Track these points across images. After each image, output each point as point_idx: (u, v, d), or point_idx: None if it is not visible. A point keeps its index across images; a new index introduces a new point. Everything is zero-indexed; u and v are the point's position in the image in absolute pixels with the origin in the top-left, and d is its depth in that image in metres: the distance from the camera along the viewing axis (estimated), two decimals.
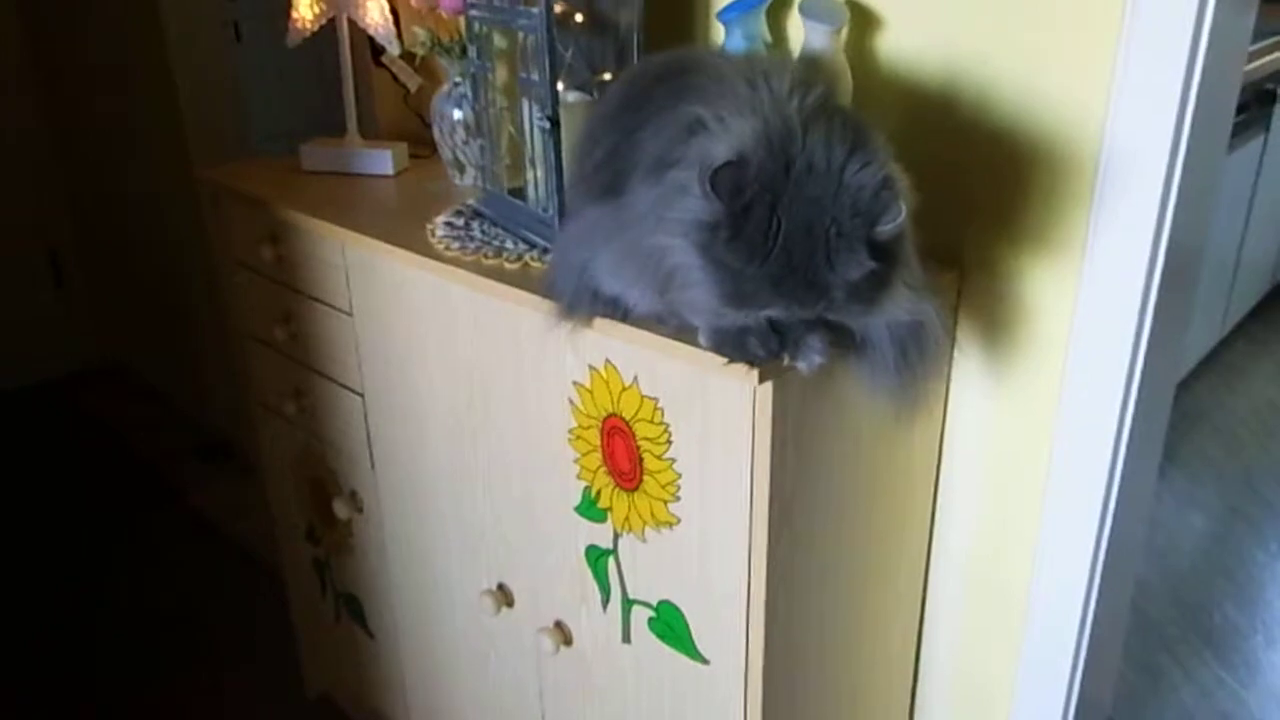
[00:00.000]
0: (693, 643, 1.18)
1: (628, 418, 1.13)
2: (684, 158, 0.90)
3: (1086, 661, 1.31)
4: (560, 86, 1.19)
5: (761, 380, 0.97)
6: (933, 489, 1.36)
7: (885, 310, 0.94)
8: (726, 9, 1.21)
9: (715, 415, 1.04)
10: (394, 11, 1.64)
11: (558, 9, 1.17)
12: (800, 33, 1.19)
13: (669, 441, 1.10)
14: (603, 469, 1.19)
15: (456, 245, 1.29)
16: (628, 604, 1.24)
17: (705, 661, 1.17)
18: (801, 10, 1.16)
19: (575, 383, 1.18)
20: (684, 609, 1.17)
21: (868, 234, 0.87)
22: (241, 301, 1.77)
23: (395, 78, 1.72)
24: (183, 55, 2.59)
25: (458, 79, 1.51)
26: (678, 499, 1.11)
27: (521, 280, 1.19)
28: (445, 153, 1.57)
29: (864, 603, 1.29)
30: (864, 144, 0.89)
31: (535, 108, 1.21)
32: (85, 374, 3.48)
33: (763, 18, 1.23)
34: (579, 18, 1.23)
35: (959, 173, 1.20)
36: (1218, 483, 2.77)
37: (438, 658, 1.65)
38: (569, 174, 1.17)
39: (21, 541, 2.64)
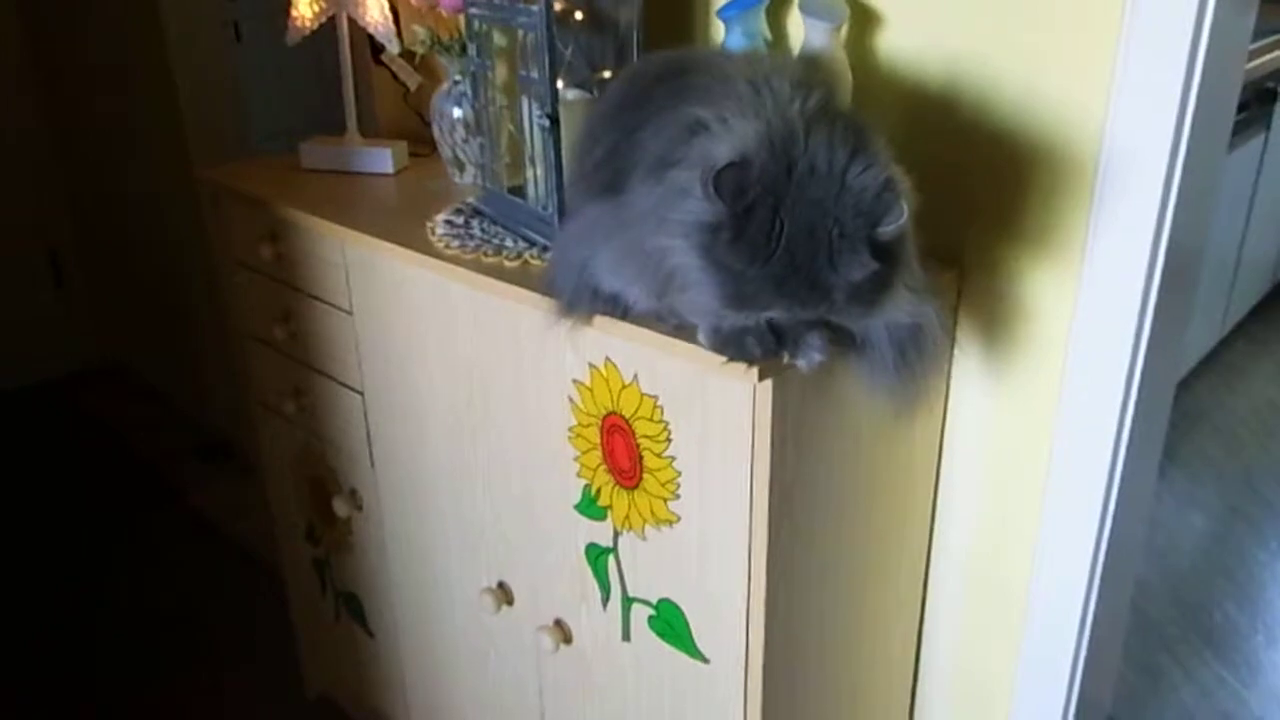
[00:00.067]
0: (693, 641, 1.18)
1: (627, 416, 1.13)
2: (685, 158, 0.90)
3: (1086, 660, 1.31)
4: (560, 84, 1.19)
5: (761, 378, 0.97)
6: (933, 487, 1.36)
7: (886, 312, 0.94)
8: (726, 6, 1.21)
9: (715, 413, 1.04)
10: (394, 9, 1.64)
11: (557, 7, 1.17)
12: (800, 30, 1.19)
13: (669, 439, 1.10)
14: (603, 467, 1.19)
15: (456, 243, 1.29)
16: (628, 602, 1.24)
17: (705, 660, 1.17)
18: (801, 8, 1.16)
19: (575, 380, 1.18)
20: (684, 607, 1.17)
21: (870, 235, 0.87)
22: (241, 300, 1.77)
23: (395, 76, 1.72)
24: (183, 55, 2.59)
25: (457, 77, 1.51)
26: (678, 497, 1.11)
27: (521, 278, 1.19)
28: (445, 151, 1.57)
29: (864, 601, 1.29)
30: (866, 146, 0.89)
31: (535, 105, 1.21)
32: (85, 374, 3.48)
33: (762, 15, 1.23)
34: (578, 15, 1.23)
35: (959, 173, 1.20)
36: (1218, 482, 2.77)
37: (438, 656, 1.65)
38: (569, 172, 1.18)
39: (21, 541, 2.64)
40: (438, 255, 1.27)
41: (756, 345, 0.96)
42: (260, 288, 1.68)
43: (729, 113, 0.89)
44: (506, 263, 1.23)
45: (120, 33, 2.76)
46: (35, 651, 2.25)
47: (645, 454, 1.13)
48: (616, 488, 1.18)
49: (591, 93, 1.25)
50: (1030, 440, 1.25)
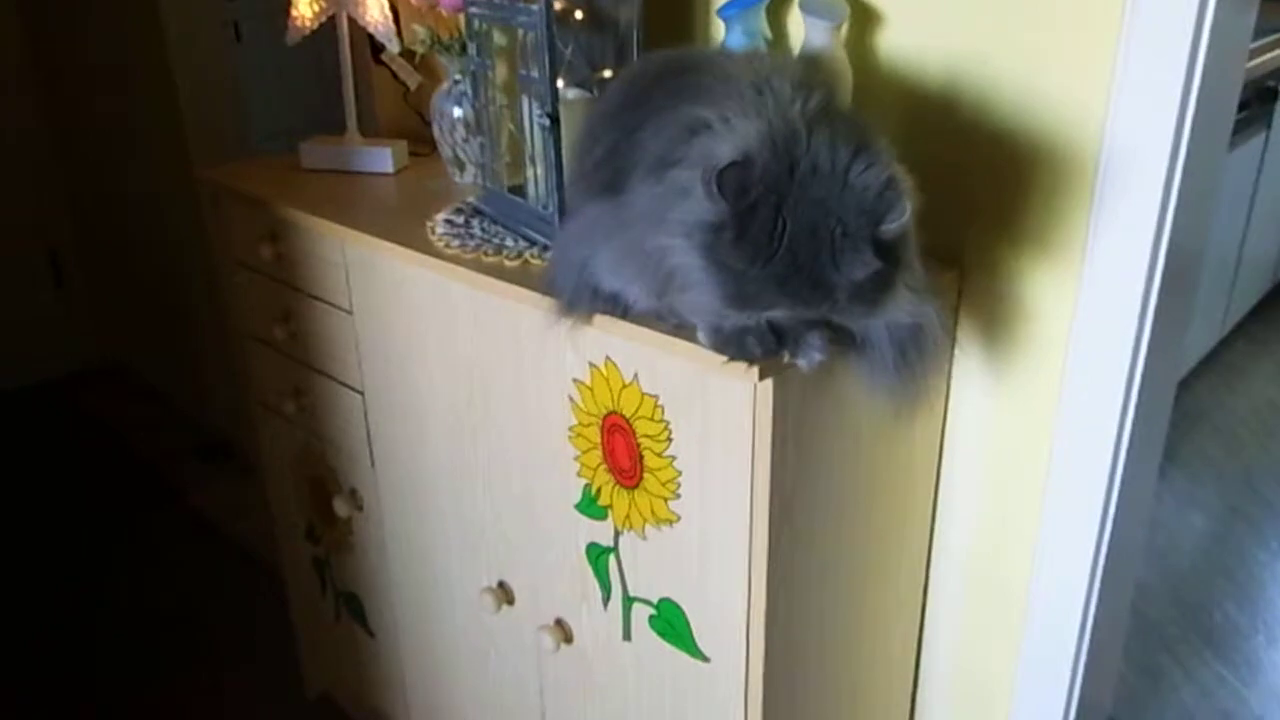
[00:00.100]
0: (693, 640, 1.18)
1: (628, 415, 1.13)
2: (686, 157, 0.90)
3: (1087, 660, 1.31)
4: (560, 83, 1.19)
5: (762, 377, 0.97)
6: (933, 487, 1.36)
7: (888, 312, 0.94)
8: (727, 5, 1.21)
9: (715, 413, 1.04)
10: (393, 9, 1.64)
11: (557, 6, 1.17)
12: (800, 29, 1.19)
13: (669, 439, 1.10)
14: (603, 466, 1.19)
15: (456, 243, 1.28)
16: (628, 601, 1.24)
17: (706, 659, 1.17)
18: (802, 6, 1.16)
19: (575, 380, 1.17)
20: (684, 607, 1.17)
21: (873, 233, 0.86)
22: (241, 300, 1.77)
23: (395, 75, 1.72)
24: (182, 55, 2.59)
25: (457, 76, 1.51)
26: (678, 496, 1.11)
27: (521, 278, 1.19)
28: (445, 150, 1.57)
29: (864, 600, 1.29)
30: (868, 145, 0.89)
31: (535, 105, 1.21)
32: (85, 374, 3.48)
33: (763, 14, 1.23)
34: (579, 15, 1.23)
35: (959, 173, 1.20)
36: (1218, 482, 2.77)
37: (438, 656, 1.65)
38: (569, 171, 1.17)
39: (21, 541, 2.64)
40: (438, 255, 1.27)
41: (757, 345, 0.96)
42: (260, 287, 1.68)
43: (731, 112, 0.89)
44: (507, 262, 1.23)
45: (120, 33, 2.76)
46: (35, 651, 2.25)
47: (646, 453, 1.13)
48: (617, 487, 1.18)
49: (592, 92, 1.25)
50: (1031, 440, 1.25)
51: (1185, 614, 2.28)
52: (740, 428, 1.02)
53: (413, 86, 1.73)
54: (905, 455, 1.28)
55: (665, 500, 1.13)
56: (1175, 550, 2.50)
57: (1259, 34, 2.61)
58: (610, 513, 1.20)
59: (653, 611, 1.21)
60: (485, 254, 1.25)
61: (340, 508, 1.68)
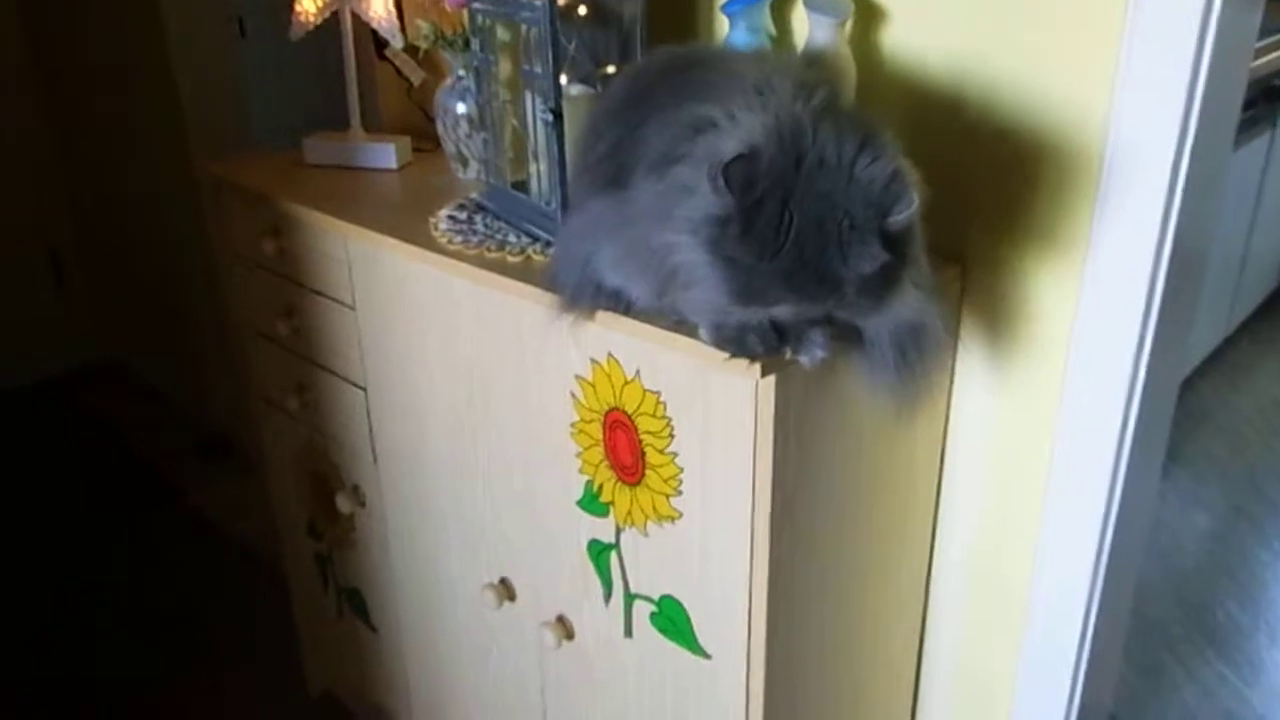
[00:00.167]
0: (695, 637, 1.17)
1: (630, 411, 1.13)
2: (690, 154, 0.89)
3: (1088, 659, 1.31)
4: (563, 79, 1.19)
5: (764, 374, 0.97)
6: (935, 485, 1.36)
7: (893, 308, 0.93)
8: (731, 1, 1.20)
9: (717, 409, 1.03)
10: (397, 5, 1.64)
11: (561, 1, 1.17)
12: (805, 25, 1.19)
13: (671, 435, 1.09)
14: (605, 463, 1.18)
15: (459, 239, 1.28)
16: (630, 598, 1.23)
17: (707, 656, 1.17)
18: (806, 2, 1.16)
19: (577, 376, 1.17)
20: (686, 604, 1.17)
21: (880, 225, 0.86)
22: (243, 296, 1.76)
23: (398, 71, 1.72)
24: (183, 54, 2.59)
25: (461, 72, 1.51)
26: (680, 493, 1.11)
27: (524, 274, 1.19)
28: (448, 146, 1.56)
29: (865, 598, 1.29)
30: (873, 138, 0.89)
31: (538, 101, 1.21)
32: (85, 373, 3.48)
33: (767, 10, 1.23)
34: (582, 10, 1.23)
35: (963, 171, 1.20)
36: (1222, 482, 2.76)
37: (440, 652, 1.64)
38: (572, 167, 1.17)
39: (21, 541, 2.64)
40: (441, 251, 1.26)
41: (759, 343, 0.96)
42: (263, 283, 1.67)
43: (736, 107, 0.89)
44: (509, 258, 1.23)
45: (120, 32, 2.76)
46: (35, 651, 2.25)
47: (648, 450, 1.12)
48: (619, 484, 1.18)
49: (595, 88, 1.25)
50: (1033, 439, 1.25)
51: (1188, 613, 2.28)
52: (742, 424, 1.01)
53: (416, 82, 1.73)
54: (907, 453, 1.28)
55: (667, 497, 1.12)
56: (1178, 549, 2.49)
57: (1264, 33, 2.61)
58: (612, 509, 1.20)
59: (654, 608, 1.21)
60: (488, 250, 1.25)
61: (342, 504, 1.67)
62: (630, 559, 1.21)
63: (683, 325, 1.01)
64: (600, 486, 1.20)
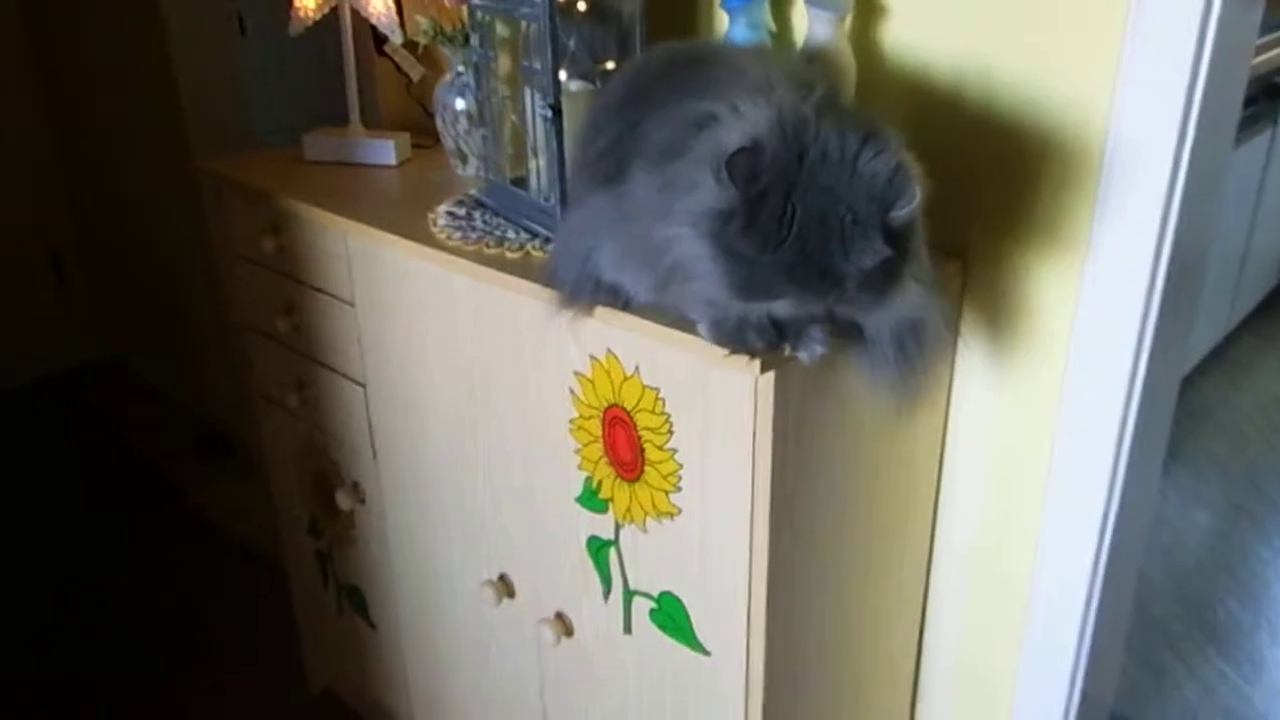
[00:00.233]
0: (694, 634, 1.17)
1: (629, 408, 1.12)
2: (692, 149, 0.89)
3: (1089, 656, 1.30)
4: (563, 75, 1.19)
5: (763, 370, 0.96)
6: (935, 481, 1.36)
7: (894, 303, 0.93)
8: None
9: (717, 406, 1.03)
10: (396, 0, 1.63)
11: None
12: (805, 21, 1.18)
13: (670, 432, 1.09)
14: (604, 459, 1.18)
15: (458, 235, 1.28)
16: (629, 595, 1.23)
17: (706, 653, 1.17)
18: None
19: (576, 372, 1.17)
20: (685, 600, 1.17)
21: (883, 219, 0.86)
22: (243, 294, 1.76)
23: (398, 67, 1.72)
24: (183, 53, 2.59)
25: (460, 68, 1.51)
26: (679, 490, 1.11)
27: (523, 270, 1.18)
28: (448, 142, 1.56)
29: (865, 595, 1.28)
30: (876, 133, 0.89)
31: (538, 96, 1.21)
32: (85, 372, 3.48)
33: (766, 6, 1.23)
34: (581, 6, 1.23)
35: (964, 168, 1.19)
36: (1222, 480, 2.76)
37: (439, 649, 1.64)
38: (571, 163, 1.17)
39: (21, 541, 2.64)
40: (440, 247, 1.26)
41: (758, 339, 0.96)
42: (262, 280, 1.67)
43: (740, 101, 0.89)
44: (508, 254, 1.23)
45: (120, 32, 2.76)
46: (35, 651, 2.25)
47: (647, 446, 1.12)
48: (618, 480, 1.18)
49: (595, 84, 1.25)
50: (1033, 435, 1.25)
51: (1189, 611, 2.28)
52: (741, 421, 1.01)
53: (415, 78, 1.73)
54: (907, 450, 1.27)
55: (666, 493, 1.12)
56: (1179, 547, 2.49)
57: (1265, 30, 2.60)
58: (611, 506, 1.20)
59: (653, 605, 1.21)
60: (487, 246, 1.25)
61: (342, 501, 1.67)
62: (629, 555, 1.21)
63: (682, 321, 1.01)
64: (599, 483, 1.20)
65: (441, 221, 1.33)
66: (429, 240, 1.28)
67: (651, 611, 1.21)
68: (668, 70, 1.02)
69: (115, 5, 2.73)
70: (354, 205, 1.44)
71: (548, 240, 1.24)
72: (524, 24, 1.23)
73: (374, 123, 1.80)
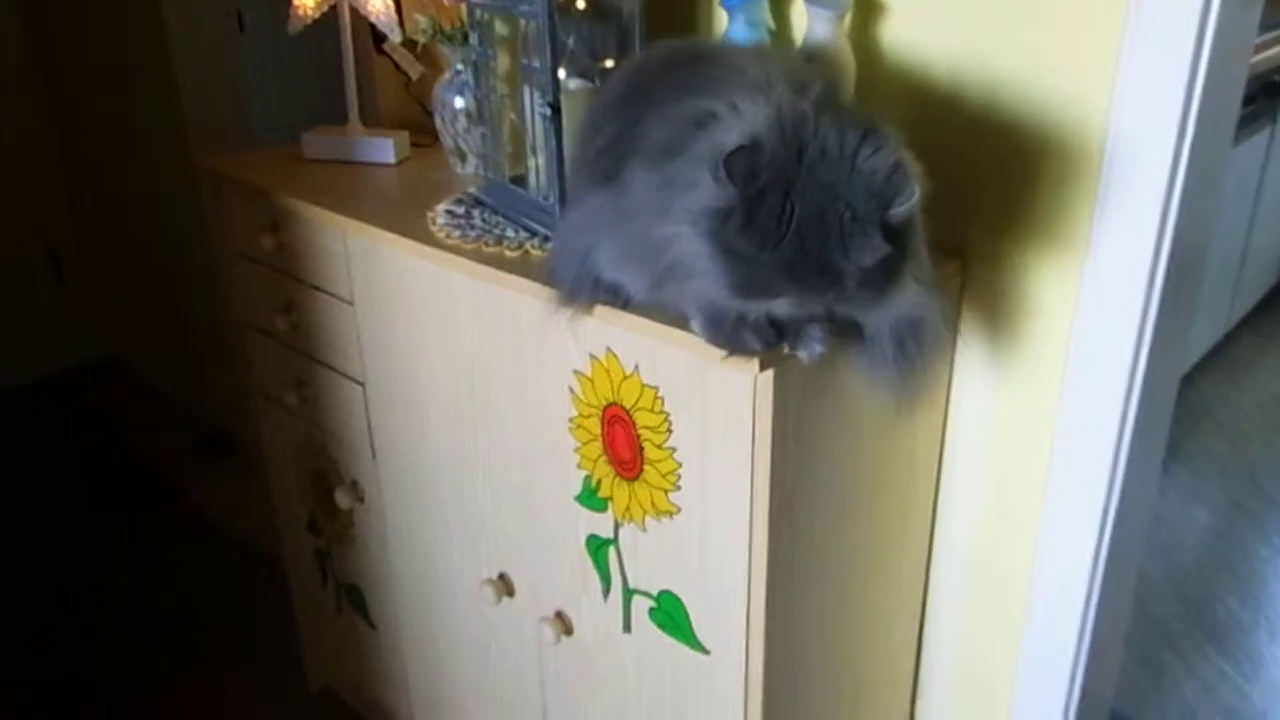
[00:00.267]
0: (693, 633, 1.17)
1: (628, 406, 1.12)
2: (691, 147, 0.89)
3: (1089, 655, 1.30)
4: (562, 74, 1.19)
5: (762, 369, 0.97)
6: (935, 480, 1.35)
7: (893, 302, 0.93)
8: None
9: (716, 405, 1.03)
10: None
11: None
12: (804, 20, 1.18)
13: (669, 431, 1.09)
14: (603, 458, 1.18)
15: (457, 233, 1.28)
16: (628, 594, 1.23)
17: (706, 652, 1.17)
18: None
19: (576, 371, 1.17)
20: (684, 599, 1.17)
21: (882, 217, 0.86)
22: (242, 292, 1.76)
23: (397, 65, 1.72)
24: (183, 53, 2.59)
25: (459, 66, 1.51)
26: (678, 488, 1.11)
27: (522, 268, 1.18)
28: (447, 141, 1.56)
29: (865, 594, 1.28)
30: (875, 130, 0.89)
31: (537, 95, 1.21)
32: (85, 371, 3.48)
33: (765, 4, 1.23)
34: (580, 4, 1.23)
35: (963, 167, 1.19)
36: (1222, 478, 2.76)
37: (439, 648, 1.64)
38: (570, 161, 1.17)
39: (21, 541, 2.64)
40: (439, 245, 1.26)
41: (755, 339, 0.96)
42: (261, 278, 1.67)
43: (739, 99, 0.89)
44: (507, 253, 1.23)
45: (120, 32, 2.76)
46: (35, 651, 2.25)
47: (646, 445, 1.12)
48: (617, 479, 1.18)
49: (594, 82, 1.25)
50: (1033, 434, 1.25)
51: (1188, 609, 2.28)
52: (741, 420, 1.01)
53: (415, 77, 1.73)
54: (907, 449, 1.27)
55: (665, 492, 1.12)
56: (1178, 545, 2.49)
57: (1264, 28, 2.60)
58: (610, 504, 1.20)
59: (653, 604, 1.21)
60: (486, 244, 1.25)
61: (342, 500, 1.67)
62: (629, 554, 1.21)
63: (681, 320, 1.01)
64: (599, 481, 1.20)
65: (440, 220, 1.33)
66: (428, 239, 1.28)
67: (651, 610, 1.21)
68: (667, 68, 1.01)
69: (115, 5, 2.73)
70: (353, 203, 1.44)
71: (547, 239, 1.24)
72: (523, 22, 1.23)
73: (373, 121, 1.80)
